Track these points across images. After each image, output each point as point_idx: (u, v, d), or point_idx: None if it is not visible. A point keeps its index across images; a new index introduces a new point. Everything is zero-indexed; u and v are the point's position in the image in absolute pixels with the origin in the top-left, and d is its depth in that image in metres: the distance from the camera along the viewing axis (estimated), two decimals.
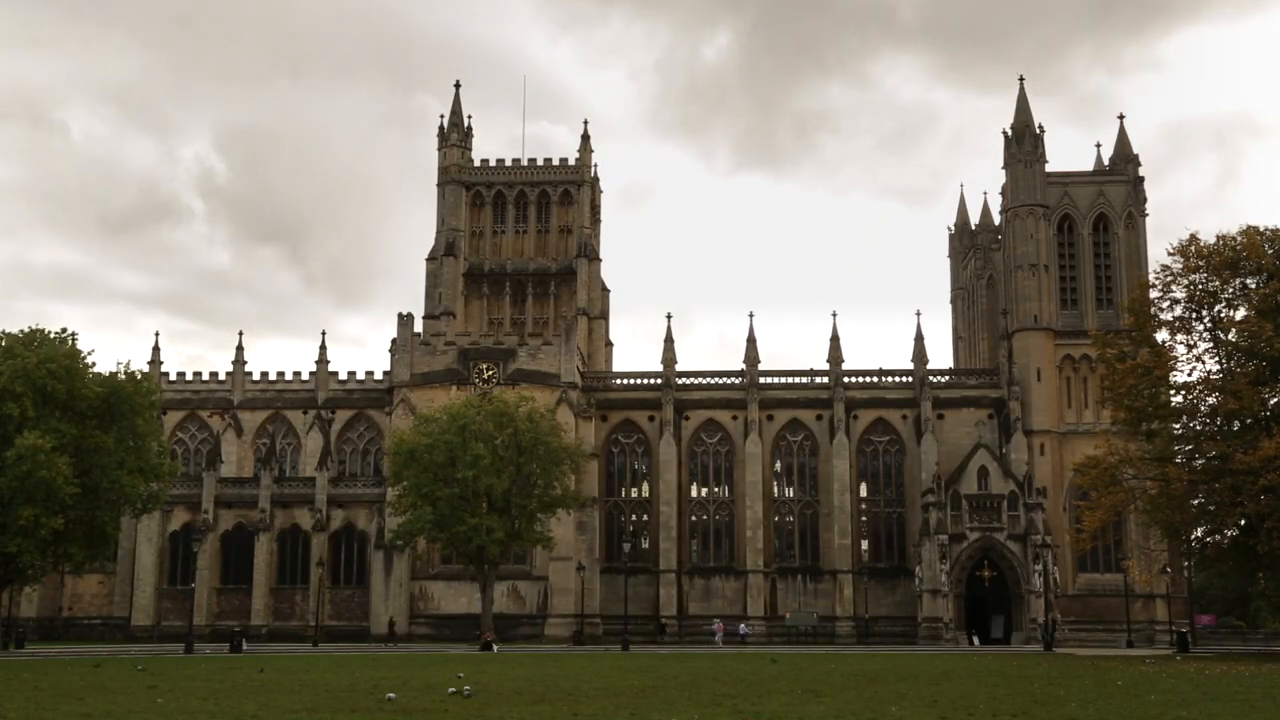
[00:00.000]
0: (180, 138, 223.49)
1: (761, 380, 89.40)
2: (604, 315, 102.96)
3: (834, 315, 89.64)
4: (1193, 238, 57.50)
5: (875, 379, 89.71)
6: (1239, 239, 56.19)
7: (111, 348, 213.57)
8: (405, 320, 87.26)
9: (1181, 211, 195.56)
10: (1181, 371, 58.38)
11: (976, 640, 77.36)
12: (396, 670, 40.40)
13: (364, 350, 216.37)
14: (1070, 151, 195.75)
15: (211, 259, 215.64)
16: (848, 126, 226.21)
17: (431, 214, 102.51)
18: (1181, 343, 58.68)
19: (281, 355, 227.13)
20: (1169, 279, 57.97)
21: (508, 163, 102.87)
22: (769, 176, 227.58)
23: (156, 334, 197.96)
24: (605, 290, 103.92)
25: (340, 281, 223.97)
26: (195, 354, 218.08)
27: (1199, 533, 60.68)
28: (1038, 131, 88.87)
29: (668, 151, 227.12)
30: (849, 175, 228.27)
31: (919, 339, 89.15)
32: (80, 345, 62.61)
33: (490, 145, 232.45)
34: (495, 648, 63.69)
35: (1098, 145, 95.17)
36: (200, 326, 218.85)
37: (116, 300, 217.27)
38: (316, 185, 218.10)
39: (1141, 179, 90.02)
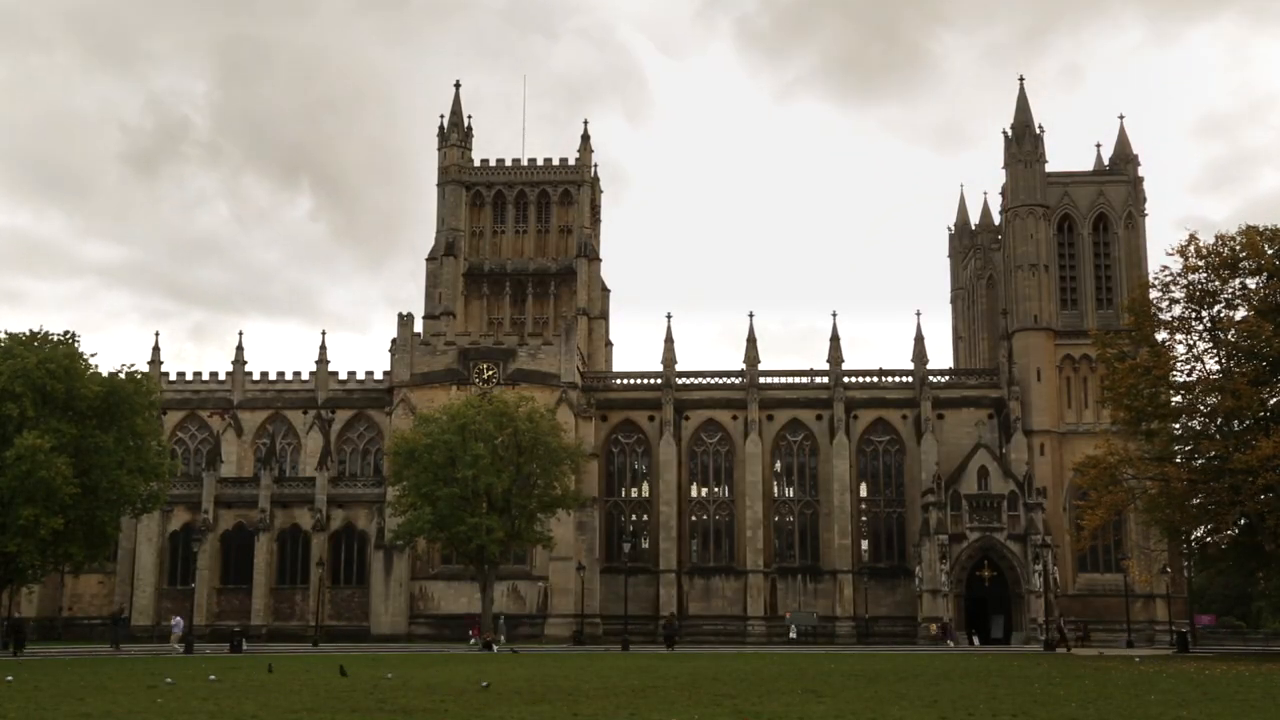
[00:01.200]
0: (153, 72, 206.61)
1: (761, 380, 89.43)
2: (604, 315, 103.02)
3: (834, 315, 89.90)
4: (1191, 238, 57.54)
5: (875, 379, 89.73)
6: (1238, 239, 56.24)
7: (83, 327, 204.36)
8: (405, 320, 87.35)
9: (1254, 163, 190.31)
10: (1181, 371, 58.41)
11: (976, 640, 77.34)
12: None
13: (363, 336, 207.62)
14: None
15: (189, 226, 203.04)
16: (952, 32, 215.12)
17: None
18: (1181, 342, 58.79)
19: (273, 339, 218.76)
20: (1168, 279, 58.06)
21: (508, 163, 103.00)
22: (830, 100, 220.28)
23: (157, 334, 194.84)
24: (605, 290, 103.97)
25: (334, 251, 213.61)
26: (189, 327, 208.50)
27: (1199, 532, 60.70)
28: (1038, 131, 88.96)
29: (733, 60, 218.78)
30: (919, 109, 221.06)
31: (919, 339, 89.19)
32: (80, 346, 62.57)
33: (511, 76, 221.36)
34: (495, 648, 63.74)
35: (1098, 145, 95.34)
36: (178, 305, 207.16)
37: (86, 273, 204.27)
38: (311, 129, 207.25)
39: (1141, 179, 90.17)
